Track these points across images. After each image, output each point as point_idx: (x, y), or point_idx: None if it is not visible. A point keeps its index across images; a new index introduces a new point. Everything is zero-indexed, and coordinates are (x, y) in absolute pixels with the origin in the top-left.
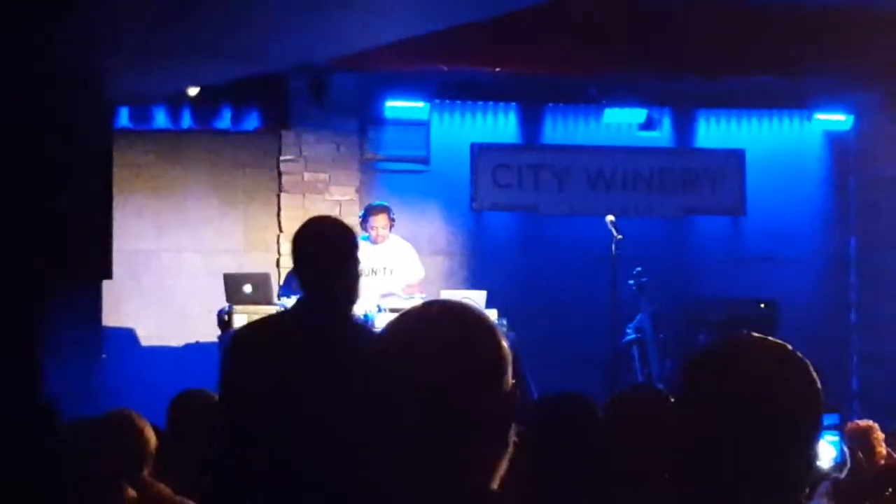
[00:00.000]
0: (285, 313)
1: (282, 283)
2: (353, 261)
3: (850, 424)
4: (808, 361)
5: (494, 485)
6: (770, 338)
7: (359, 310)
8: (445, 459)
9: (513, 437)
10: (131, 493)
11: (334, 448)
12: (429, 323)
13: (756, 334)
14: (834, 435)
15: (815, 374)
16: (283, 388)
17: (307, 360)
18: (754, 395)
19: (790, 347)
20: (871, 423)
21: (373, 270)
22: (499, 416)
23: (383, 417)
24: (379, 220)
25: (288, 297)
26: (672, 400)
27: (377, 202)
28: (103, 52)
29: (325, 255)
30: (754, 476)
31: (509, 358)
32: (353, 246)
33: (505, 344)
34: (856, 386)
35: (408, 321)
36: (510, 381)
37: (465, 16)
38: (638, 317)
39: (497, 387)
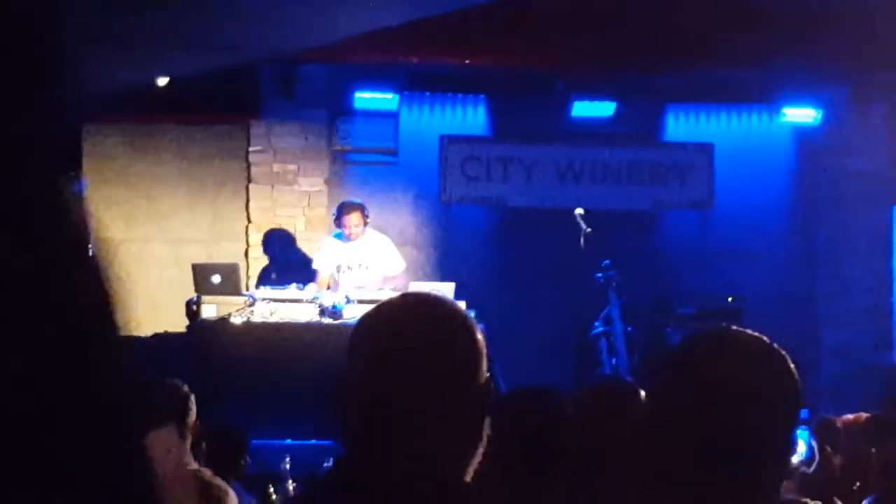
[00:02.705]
0: None
1: (258, 276)
2: None
3: (824, 420)
4: (785, 353)
5: (468, 477)
6: (748, 330)
7: (327, 301)
8: (420, 452)
9: (487, 430)
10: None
11: None
12: (405, 315)
13: (734, 327)
14: (803, 430)
15: (792, 367)
16: None
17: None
18: (734, 387)
19: (767, 340)
20: (847, 418)
21: (348, 267)
22: (473, 409)
23: (358, 408)
24: (352, 219)
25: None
26: (643, 392)
27: (350, 200)
28: (72, 39)
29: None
30: (735, 468)
31: (484, 351)
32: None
33: (480, 337)
34: (823, 380)
35: (384, 313)
36: (485, 373)
37: (435, 8)
38: (606, 309)
39: (472, 379)
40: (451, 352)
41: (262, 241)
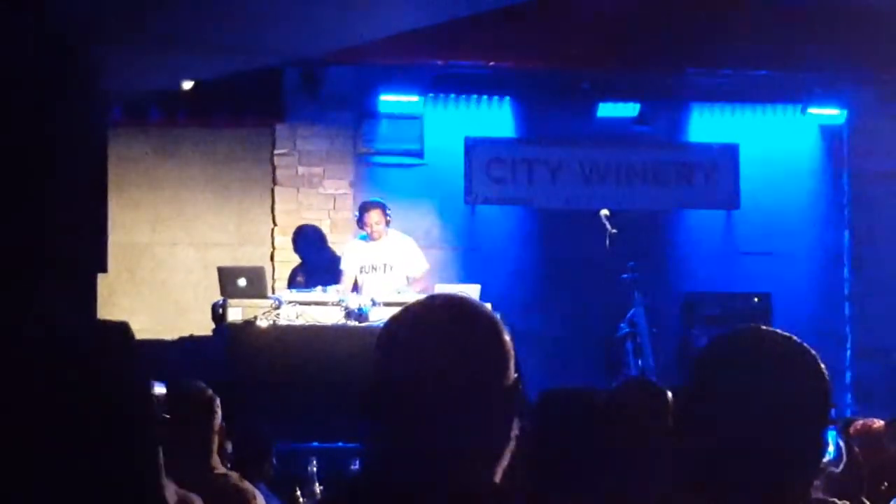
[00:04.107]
0: None
1: (288, 278)
2: None
3: (860, 424)
4: (815, 353)
5: (497, 478)
6: (778, 330)
7: (353, 304)
8: (448, 452)
9: (515, 431)
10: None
11: None
12: (432, 316)
13: (764, 327)
14: (831, 429)
15: (822, 366)
16: None
17: None
18: (764, 387)
19: (797, 339)
20: (879, 423)
21: (372, 267)
22: (502, 410)
23: (385, 409)
24: (372, 217)
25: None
26: (671, 393)
27: (370, 199)
28: (97, 44)
29: None
30: (765, 468)
31: (512, 352)
32: None
33: (508, 338)
34: (849, 379)
35: (411, 314)
36: (513, 374)
37: (461, 9)
38: (632, 311)
39: (500, 380)
40: (479, 352)
41: (292, 239)
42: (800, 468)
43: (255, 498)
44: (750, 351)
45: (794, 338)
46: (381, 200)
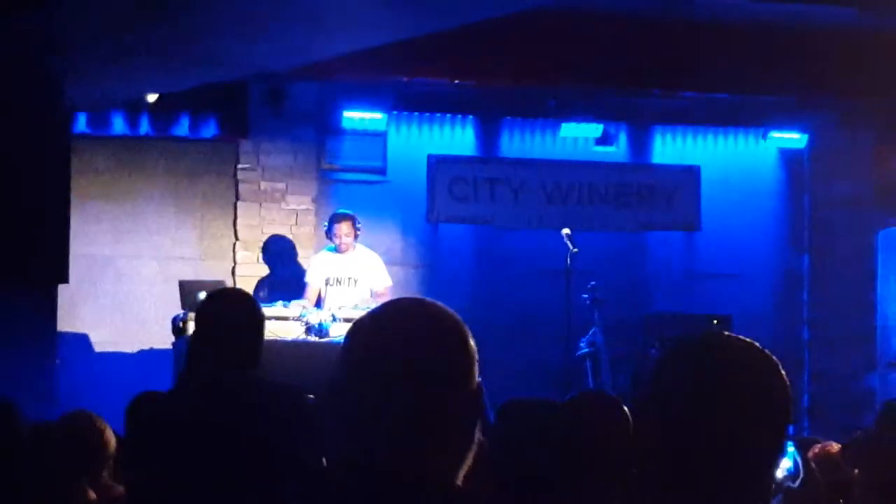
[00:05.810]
0: None
1: (253, 292)
2: None
3: (818, 448)
4: (776, 359)
5: (458, 480)
6: (739, 336)
7: (314, 319)
8: (411, 454)
9: (478, 434)
10: (91, 494)
11: None
12: (399, 317)
13: (725, 332)
14: (790, 446)
15: (783, 372)
16: None
17: None
18: (725, 391)
19: (758, 345)
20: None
21: (337, 280)
22: (465, 412)
23: (348, 409)
24: (343, 229)
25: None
26: (632, 402)
27: (342, 210)
28: (62, 55)
29: None
30: (724, 471)
31: (476, 356)
32: None
33: (472, 342)
34: (806, 402)
35: (378, 315)
36: (477, 378)
37: (425, 27)
38: (591, 330)
39: (464, 382)
40: (444, 354)
41: (261, 249)
42: (761, 474)
43: None
44: (709, 355)
45: (756, 343)
46: (352, 213)
